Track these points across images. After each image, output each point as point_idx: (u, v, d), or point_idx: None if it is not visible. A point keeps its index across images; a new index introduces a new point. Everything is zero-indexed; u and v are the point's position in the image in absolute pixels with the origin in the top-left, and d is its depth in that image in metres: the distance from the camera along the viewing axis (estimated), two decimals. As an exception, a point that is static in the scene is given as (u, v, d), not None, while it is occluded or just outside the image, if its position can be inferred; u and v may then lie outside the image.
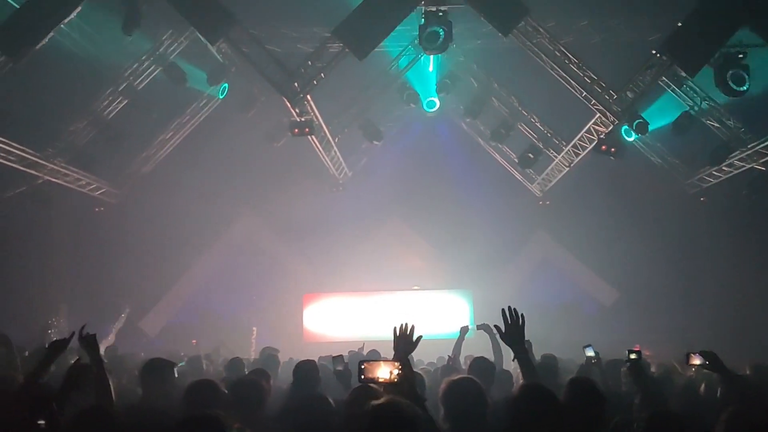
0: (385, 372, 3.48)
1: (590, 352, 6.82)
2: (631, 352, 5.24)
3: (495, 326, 4.46)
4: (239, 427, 4.50)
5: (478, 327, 8.49)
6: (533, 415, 3.46)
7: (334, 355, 6.12)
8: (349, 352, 9.22)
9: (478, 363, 5.83)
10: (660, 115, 14.55)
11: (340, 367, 5.85)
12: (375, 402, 3.14)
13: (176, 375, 5.67)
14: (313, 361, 6.10)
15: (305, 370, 5.77)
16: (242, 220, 18.68)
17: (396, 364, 3.49)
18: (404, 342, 3.90)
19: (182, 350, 12.36)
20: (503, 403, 4.03)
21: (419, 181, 17.96)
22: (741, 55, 11.93)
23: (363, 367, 3.52)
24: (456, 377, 4.18)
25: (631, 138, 13.62)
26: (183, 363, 8.47)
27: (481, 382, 5.31)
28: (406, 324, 4.01)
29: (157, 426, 3.90)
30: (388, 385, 3.45)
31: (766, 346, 11.90)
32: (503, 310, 4.37)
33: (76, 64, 13.60)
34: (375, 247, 18.00)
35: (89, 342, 4.73)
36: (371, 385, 3.65)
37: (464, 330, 8.60)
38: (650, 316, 16.01)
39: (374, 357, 8.35)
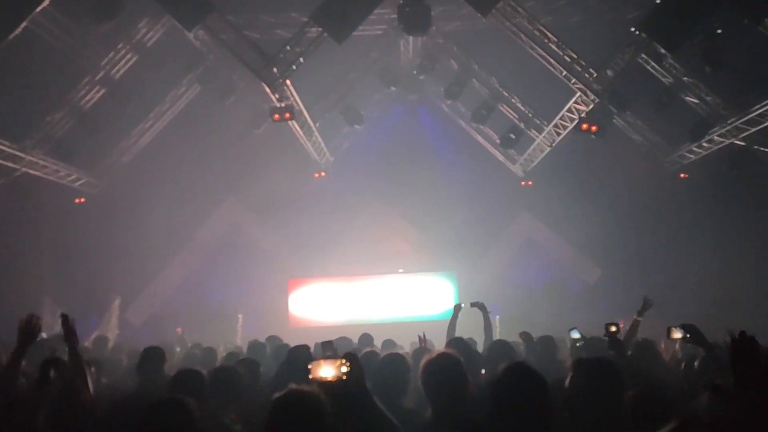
0: (329, 371, 3.43)
1: (576, 335, 6.83)
2: (609, 325, 5.31)
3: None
4: (234, 419, 4.51)
5: (472, 305, 8.52)
6: (517, 395, 3.44)
7: (323, 341, 6.06)
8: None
9: (455, 343, 5.67)
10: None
11: (329, 353, 5.81)
12: (277, 394, 3.13)
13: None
14: (307, 346, 6.03)
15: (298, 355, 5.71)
16: (225, 208, 18.60)
17: (342, 361, 3.44)
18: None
19: (168, 339, 12.30)
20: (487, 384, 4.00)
21: (401, 164, 17.92)
22: (720, 31, 11.99)
23: (309, 367, 3.48)
24: (433, 354, 4.13)
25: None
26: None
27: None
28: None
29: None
30: (336, 383, 3.41)
31: (747, 321, 12.03)
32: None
33: (50, 54, 13.42)
34: (359, 231, 17.95)
35: (69, 328, 4.65)
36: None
37: (458, 309, 8.35)
38: (633, 293, 16.07)
39: (345, 344, 8.37)
